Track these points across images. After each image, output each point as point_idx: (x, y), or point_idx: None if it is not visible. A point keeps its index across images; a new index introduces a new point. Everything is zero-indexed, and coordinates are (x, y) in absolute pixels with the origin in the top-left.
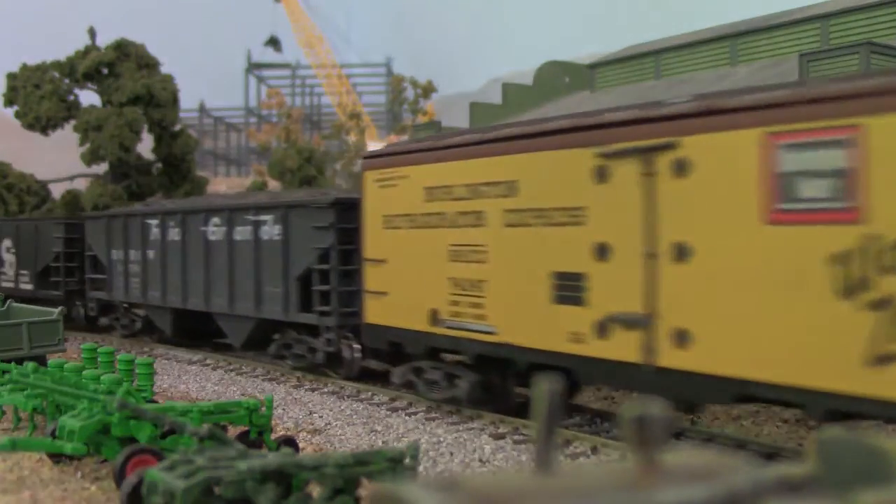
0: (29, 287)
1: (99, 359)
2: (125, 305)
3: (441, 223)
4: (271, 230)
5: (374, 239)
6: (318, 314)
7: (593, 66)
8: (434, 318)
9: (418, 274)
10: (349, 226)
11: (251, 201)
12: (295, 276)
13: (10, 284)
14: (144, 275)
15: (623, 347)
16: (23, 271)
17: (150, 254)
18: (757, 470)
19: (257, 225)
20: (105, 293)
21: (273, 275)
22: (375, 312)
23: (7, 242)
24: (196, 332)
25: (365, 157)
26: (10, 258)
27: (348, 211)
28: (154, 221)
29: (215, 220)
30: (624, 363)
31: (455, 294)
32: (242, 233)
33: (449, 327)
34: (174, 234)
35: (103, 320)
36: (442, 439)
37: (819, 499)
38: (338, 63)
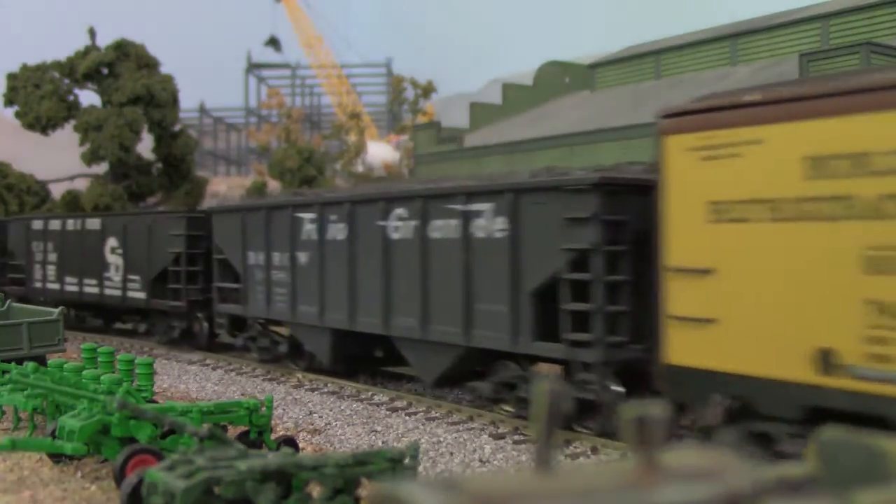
0: (140, 296)
1: (99, 359)
2: (263, 323)
3: (846, 213)
4: (490, 224)
5: (689, 237)
6: (569, 344)
7: (593, 66)
8: (827, 361)
9: (790, 291)
10: (620, 217)
11: (456, 185)
12: (530, 288)
13: (116, 292)
14: (293, 285)
15: None
16: (132, 277)
17: (302, 257)
18: (757, 470)
19: (468, 217)
20: (238, 306)
21: (493, 287)
22: (690, 349)
23: (112, 242)
24: (362, 359)
25: (668, 115)
26: (115, 261)
27: (619, 196)
28: (309, 215)
29: (400, 211)
30: None
31: (878, 326)
32: (443, 228)
33: (862, 377)
34: (337, 230)
35: (235, 340)
36: (442, 439)
37: (819, 499)
38: (338, 63)
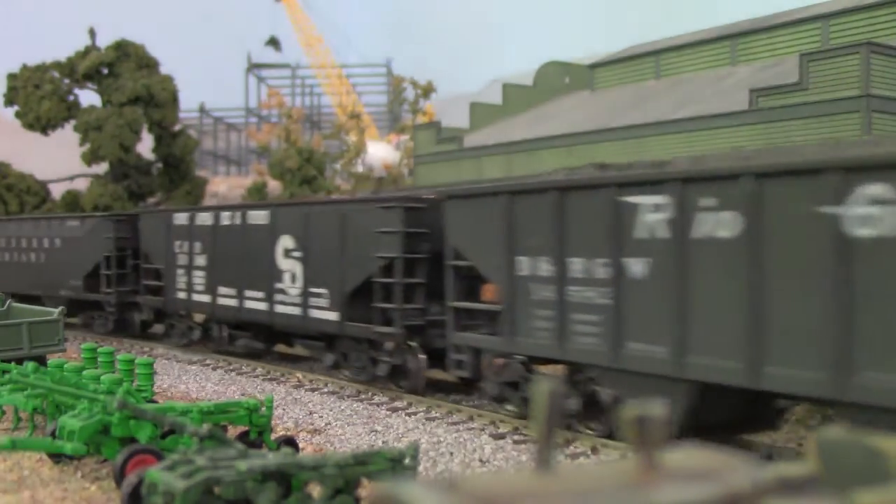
0: (328, 316)
1: (99, 359)
2: (530, 360)
3: None
4: None
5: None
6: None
7: (593, 66)
8: None
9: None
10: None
11: None
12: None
13: (293, 310)
14: (617, 308)
15: None
16: (317, 290)
17: (636, 266)
18: (757, 470)
19: None
20: (500, 339)
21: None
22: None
23: (286, 241)
24: (733, 424)
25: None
26: (291, 267)
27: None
28: (652, 199)
29: (877, 189)
30: None
31: None
32: None
33: None
34: (719, 223)
35: (487, 387)
36: (442, 439)
37: (819, 499)
38: (338, 63)
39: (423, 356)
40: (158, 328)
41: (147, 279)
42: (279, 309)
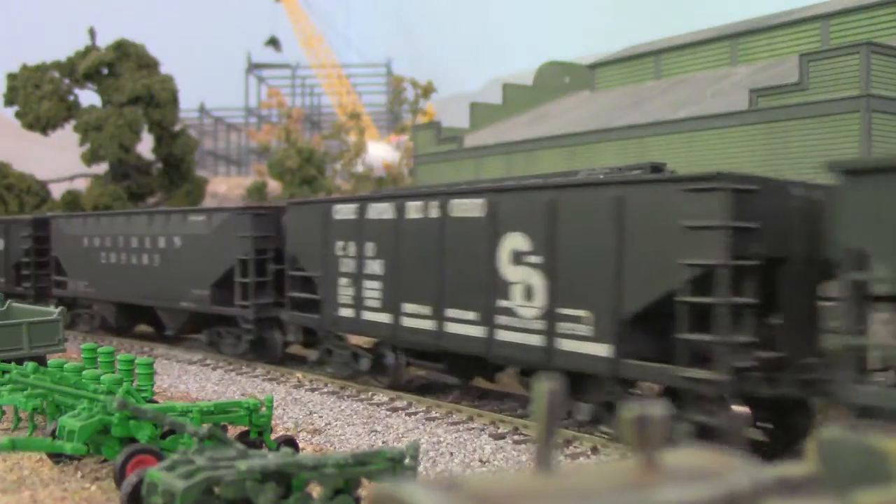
0: (597, 351)
1: (99, 359)
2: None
3: None
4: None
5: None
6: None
7: (593, 66)
8: None
9: None
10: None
11: None
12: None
13: (529, 339)
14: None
15: None
16: (569, 311)
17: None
18: (757, 470)
19: None
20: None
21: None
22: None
23: (516, 241)
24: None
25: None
26: (525, 278)
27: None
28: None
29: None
30: None
31: None
32: None
33: None
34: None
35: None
36: (442, 439)
37: (819, 499)
38: (338, 63)
39: (743, 413)
40: (306, 352)
41: (295, 290)
42: (503, 336)
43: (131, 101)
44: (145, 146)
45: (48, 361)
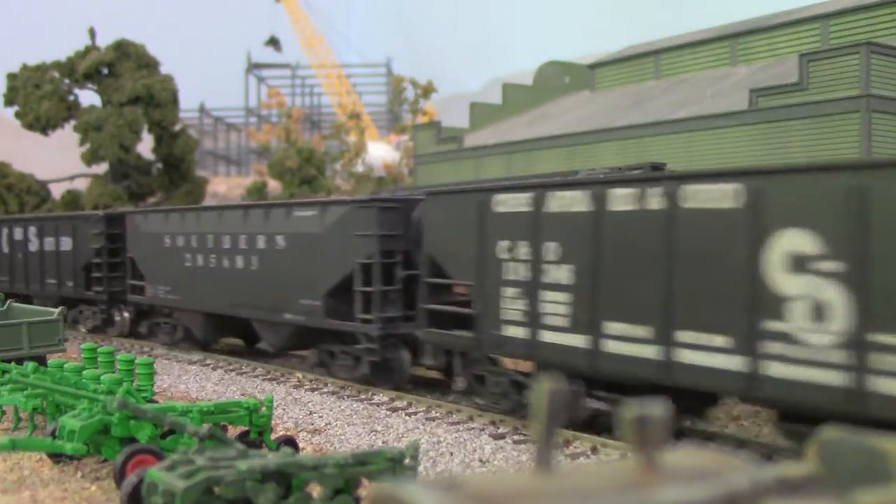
0: None
1: (99, 359)
2: None
3: None
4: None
5: None
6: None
7: (593, 66)
8: None
9: None
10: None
11: None
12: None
13: (822, 375)
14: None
15: None
16: (892, 340)
17: None
18: (757, 470)
19: None
20: None
21: None
22: None
23: (795, 241)
24: None
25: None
26: (809, 291)
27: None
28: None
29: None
30: None
31: None
32: None
33: None
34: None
35: None
36: (442, 439)
37: (819, 499)
38: (338, 63)
39: None
40: (431, 373)
41: (433, 300)
42: (776, 370)
43: (131, 101)
44: (145, 146)
45: (48, 361)
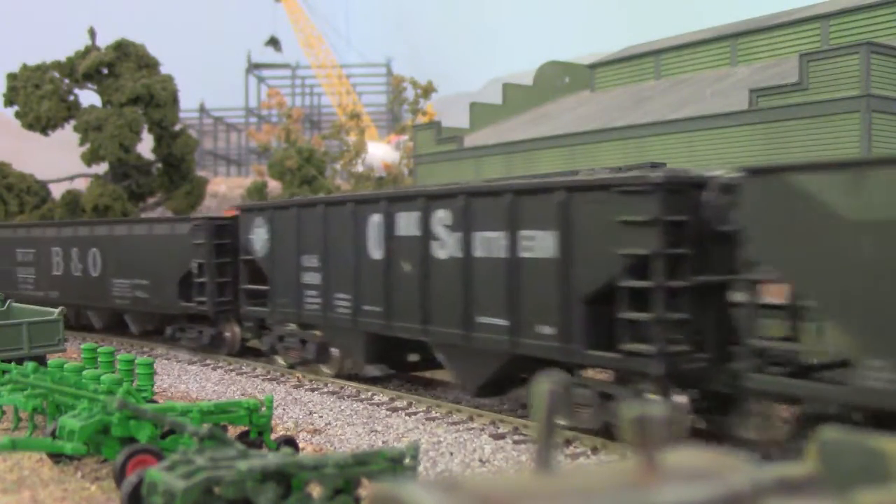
0: None
1: (99, 359)
2: None
3: None
4: None
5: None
6: None
7: (593, 66)
8: None
9: None
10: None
11: None
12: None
13: None
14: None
15: None
16: None
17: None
18: (757, 470)
19: None
20: None
21: None
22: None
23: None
24: None
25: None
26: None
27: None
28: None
29: None
30: None
31: None
32: None
33: None
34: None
35: None
36: (442, 439)
37: (819, 499)
38: (338, 63)
39: None
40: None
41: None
42: None
43: (131, 101)
44: (145, 146)
45: (48, 361)
